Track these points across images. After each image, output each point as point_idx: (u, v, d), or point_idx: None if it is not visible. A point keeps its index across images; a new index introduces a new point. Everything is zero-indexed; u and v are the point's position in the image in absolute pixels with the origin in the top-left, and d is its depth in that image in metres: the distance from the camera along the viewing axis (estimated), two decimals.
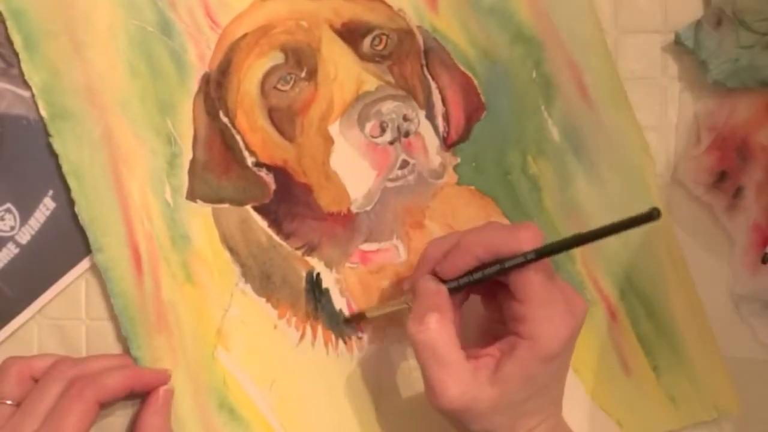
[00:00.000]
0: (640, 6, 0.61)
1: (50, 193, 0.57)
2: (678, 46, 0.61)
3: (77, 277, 0.58)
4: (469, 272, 0.52)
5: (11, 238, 0.57)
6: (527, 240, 0.50)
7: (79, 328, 0.58)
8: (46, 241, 0.57)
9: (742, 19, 0.59)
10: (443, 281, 0.53)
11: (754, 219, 0.60)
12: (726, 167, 0.60)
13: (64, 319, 0.58)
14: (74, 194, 0.56)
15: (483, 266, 0.51)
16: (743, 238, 0.61)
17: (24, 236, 0.57)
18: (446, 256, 0.53)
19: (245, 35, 0.58)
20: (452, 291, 0.52)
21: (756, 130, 0.60)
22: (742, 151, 0.60)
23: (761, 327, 0.61)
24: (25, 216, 0.57)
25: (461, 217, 0.60)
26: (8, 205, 0.57)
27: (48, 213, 0.57)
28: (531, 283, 0.50)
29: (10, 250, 0.57)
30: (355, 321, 0.59)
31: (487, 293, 0.55)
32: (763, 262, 0.57)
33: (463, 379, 0.51)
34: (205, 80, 0.58)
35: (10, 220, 0.57)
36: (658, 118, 0.61)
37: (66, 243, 0.57)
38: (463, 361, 0.51)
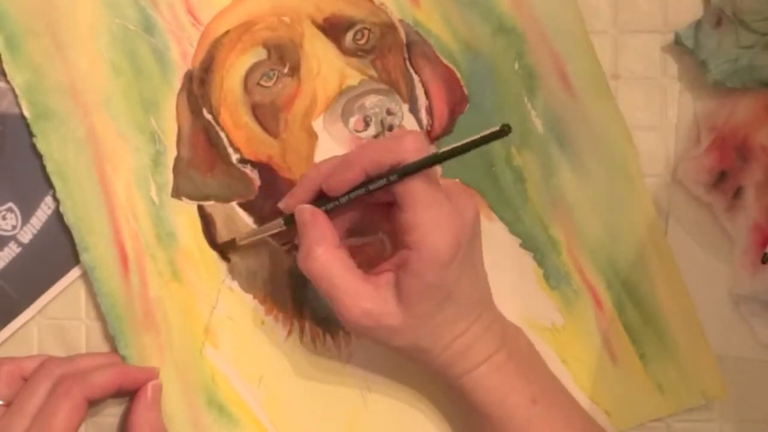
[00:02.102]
0: (640, 6, 0.61)
1: (51, 192, 0.58)
2: (678, 46, 0.60)
3: (77, 277, 0.58)
4: (355, 188, 0.52)
5: (13, 238, 0.58)
6: (412, 150, 0.50)
7: (79, 328, 0.59)
8: (47, 241, 0.58)
9: (741, 19, 0.58)
10: (330, 199, 0.52)
11: (754, 219, 0.60)
12: (726, 167, 0.60)
13: (64, 319, 0.59)
14: (59, 194, 0.57)
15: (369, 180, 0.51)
16: (743, 238, 0.60)
17: (25, 235, 0.58)
18: (332, 173, 0.52)
19: (227, 32, 0.58)
20: (335, 210, 0.52)
21: (756, 130, 0.60)
22: (742, 151, 0.60)
23: (761, 327, 0.60)
24: (26, 215, 0.58)
25: None
26: (10, 204, 0.58)
27: (49, 212, 0.58)
28: (412, 190, 0.50)
29: (12, 250, 0.58)
30: (228, 248, 0.58)
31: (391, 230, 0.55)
32: (763, 262, 0.56)
33: (364, 298, 0.51)
34: (188, 77, 0.58)
35: (11, 219, 0.58)
36: (658, 118, 0.61)
37: (67, 242, 0.58)
38: (360, 281, 0.51)
